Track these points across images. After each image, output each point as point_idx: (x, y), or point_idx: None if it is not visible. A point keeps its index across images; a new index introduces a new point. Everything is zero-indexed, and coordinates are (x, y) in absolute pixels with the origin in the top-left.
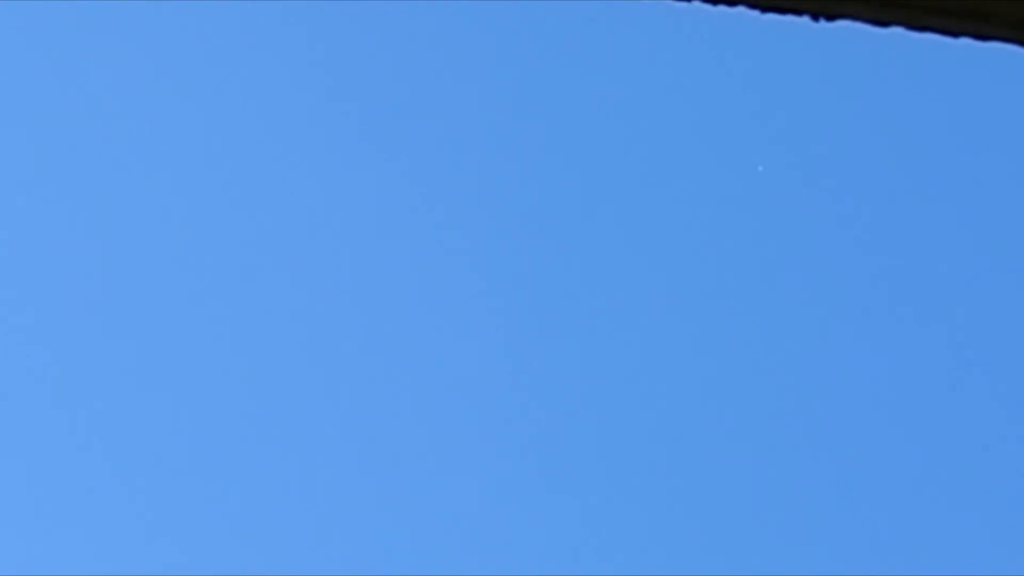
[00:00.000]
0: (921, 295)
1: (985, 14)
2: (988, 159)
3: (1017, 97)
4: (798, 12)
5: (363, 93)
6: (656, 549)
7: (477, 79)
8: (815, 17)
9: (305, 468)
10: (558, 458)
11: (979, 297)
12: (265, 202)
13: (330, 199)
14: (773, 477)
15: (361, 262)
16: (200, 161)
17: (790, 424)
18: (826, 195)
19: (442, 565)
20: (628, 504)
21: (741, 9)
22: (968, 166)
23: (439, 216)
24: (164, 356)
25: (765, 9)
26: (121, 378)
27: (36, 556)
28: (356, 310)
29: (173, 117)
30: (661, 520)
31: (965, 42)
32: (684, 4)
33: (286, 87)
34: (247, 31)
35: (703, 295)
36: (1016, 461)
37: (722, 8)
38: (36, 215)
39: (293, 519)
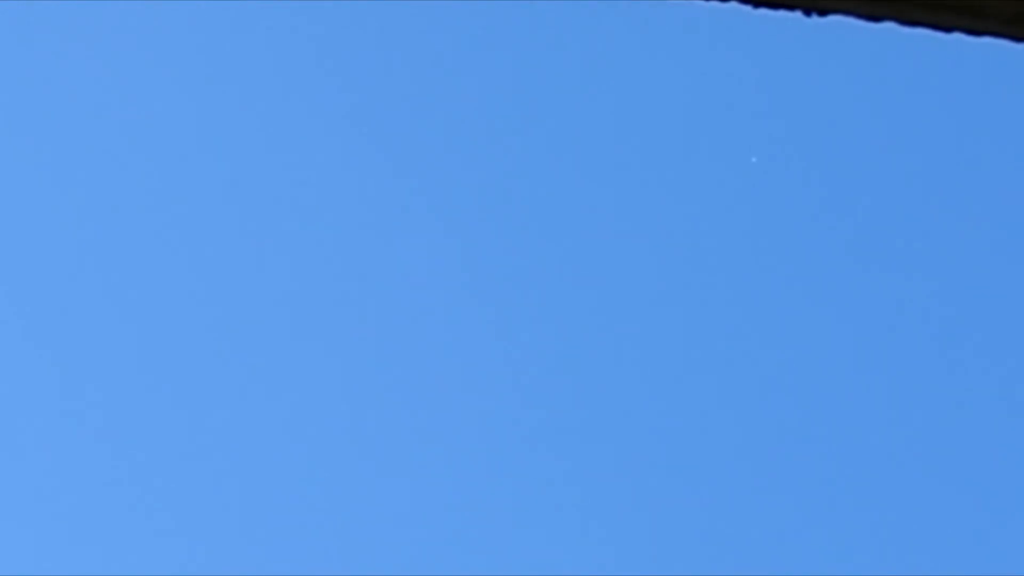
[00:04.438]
0: (917, 290)
1: (978, 9)
2: (981, 153)
3: (1009, 92)
4: (791, 7)
5: (363, 93)
6: (656, 549)
7: (474, 79)
8: (807, 12)
9: (305, 468)
10: (557, 458)
11: (974, 292)
12: (263, 202)
13: (329, 199)
14: (771, 476)
15: (360, 262)
16: (199, 161)
17: (785, 419)
18: (819, 188)
19: (442, 565)
20: (627, 504)
21: (734, 4)
22: (961, 160)
23: (438, 215)
24: (164, 357)
25: (758, 4)
26: (121, 378)
27: (37, 556)
28: (355, 310)
29: (173, 117)
30: (660, 519)
31: (958, 37)
32: None
33: (286, 87)
34: (247, 31)
35: (697, 287)
36: (1016, 461)
37: (715, 3)
38: (36, 215)
39: (293, 519)
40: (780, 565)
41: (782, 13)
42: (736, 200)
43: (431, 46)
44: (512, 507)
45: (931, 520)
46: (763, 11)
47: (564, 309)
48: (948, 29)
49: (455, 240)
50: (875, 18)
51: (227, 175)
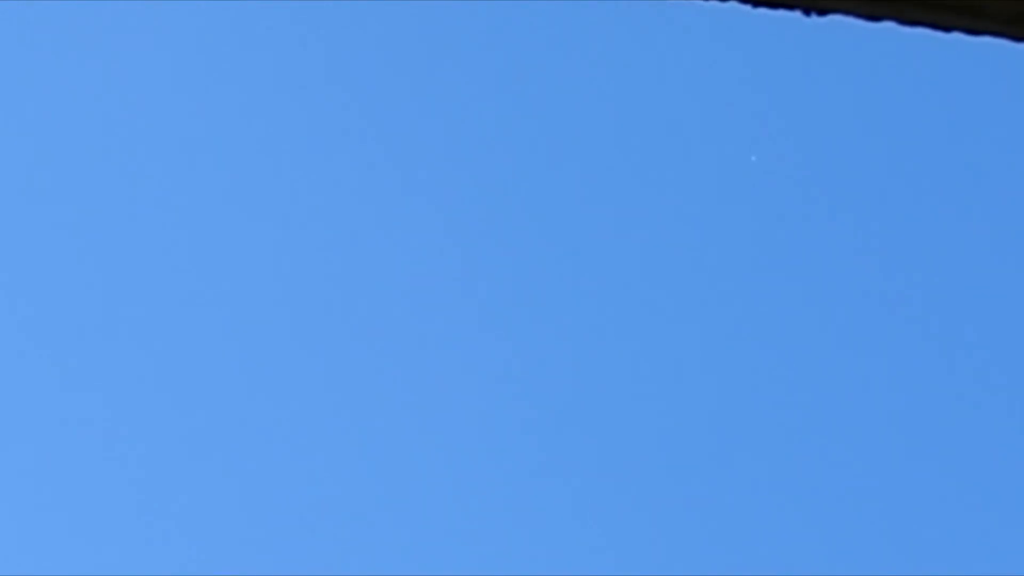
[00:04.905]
0: (916, 289)
1: (977, 9)
2: (980, 153)
3: (1008, 91)
4: (790, 7)
5: (363, 93)
6: (656, 549)
7: (474, 79)
8: (807, 12)
9: (305, 468)
10: (556, 458)
11: (974, 291)
12: (262, 202)
13: (328, 199)
14: (771, 476)
15: (360, 262)
16: (199, 161)
17: (784, 419)
18: (819, 187)
19: (442, 565)
20: (627, 504)
21: (733, 4)
22: (960, 160)
23: (438, 215)
24: (163, 356)
25: (757, 4)
26: (121, 378)
27: (37, 556)
28: (355, 310)
29: (173, 117)
30: (660, 519)
31: (957, 37)
32: None
33: (286, 87)
34: (247, 31)
35: (696, 285)
36: (1016, 461)
37: (714, 3)
38: (36, 215)
39: (293, 519)
40: (780, 565)
41: (781, 12)
42: (735, 199)
43: (431, 46)
44: (512, 507)
45: (931, 520)
46: (762, 10)
47: (563, 308)
48: (947, 29)
49: (454, 240)
50: (874, 18)
51: (226, 175)
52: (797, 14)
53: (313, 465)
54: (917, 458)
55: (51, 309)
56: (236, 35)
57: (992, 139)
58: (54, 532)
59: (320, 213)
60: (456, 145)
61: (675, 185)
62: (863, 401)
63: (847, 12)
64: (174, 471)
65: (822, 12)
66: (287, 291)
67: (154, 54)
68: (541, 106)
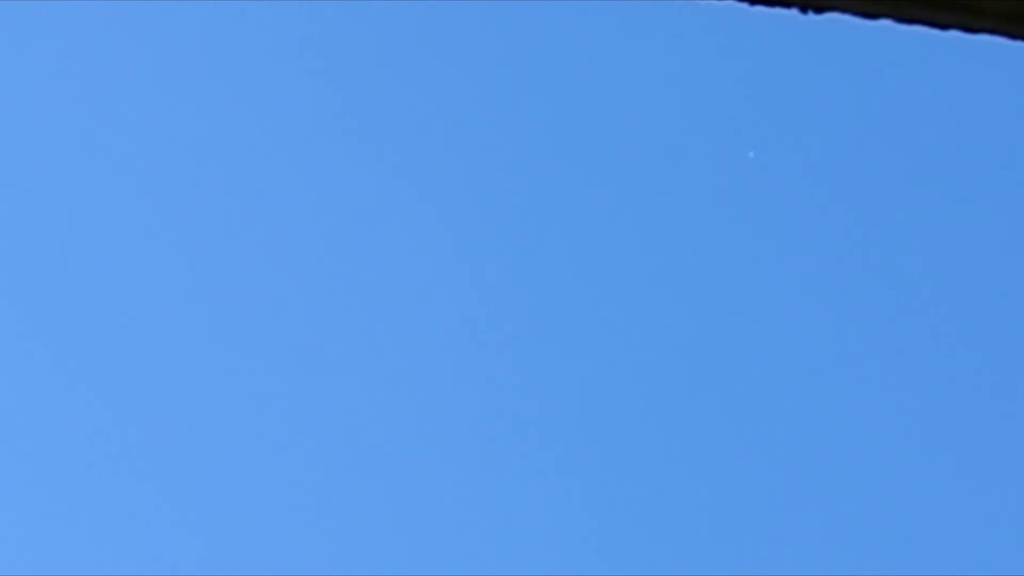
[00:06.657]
0: (913, 286)
1: (974, 7)
2: (977, 150)
3: (1005, 90)
4: (787, 5)
5: (362, 93)
6: (656, 549)
7: (474, 79)
8: (804, 10)
9: (305, 468)
10: (556, 458)
11: (971, 289)
12: (262, 202)
13: (329, 199)
14: (771, 476)
15: (360, 262)
16: (199, 162)
17: (781, 418)
18: (816, 184)
19: (441, 565)
20: (627, 504)
21: (731, 2)
22: (957, 157)
23: (438, 215)
24: (163, 356)
25: (754, 2)
26: (120, 378)
27: (37, 556)
28: (355, 310)
29: (172, 117)
30: (659, 519)
31: (954, 34)
32: None
33: (285, 87)
34: (247, 31)
35: (694, 282)
36: (1016, 461)
37: (712, 1)
38: (36, 215)
39: (293, 519)
40: (780, 565)
41: (778, 10)
42: (733, 195)
43: (431, 46)
44: (511, 507)
45: (931, 520)
46: (760, 8)
47: (562, 308)
48: (945, 27)
49: (454, 240)
50: (872, 15)
51: (226, 175)
52: (794, 12)
53: (313, 465)
54: (917, 458)
55: (51, 309)
56: (237, 35)
57: (990, 137)
58: (54, 532)
59: (319, 213)
60: (456, 145)
61: (673, 182)
62: (862, 401)
63: (844, 10)
64: (174, 471)
65: (819, 10)
66: (286, 292)
67: (154, 54)
68: (540, 105)
